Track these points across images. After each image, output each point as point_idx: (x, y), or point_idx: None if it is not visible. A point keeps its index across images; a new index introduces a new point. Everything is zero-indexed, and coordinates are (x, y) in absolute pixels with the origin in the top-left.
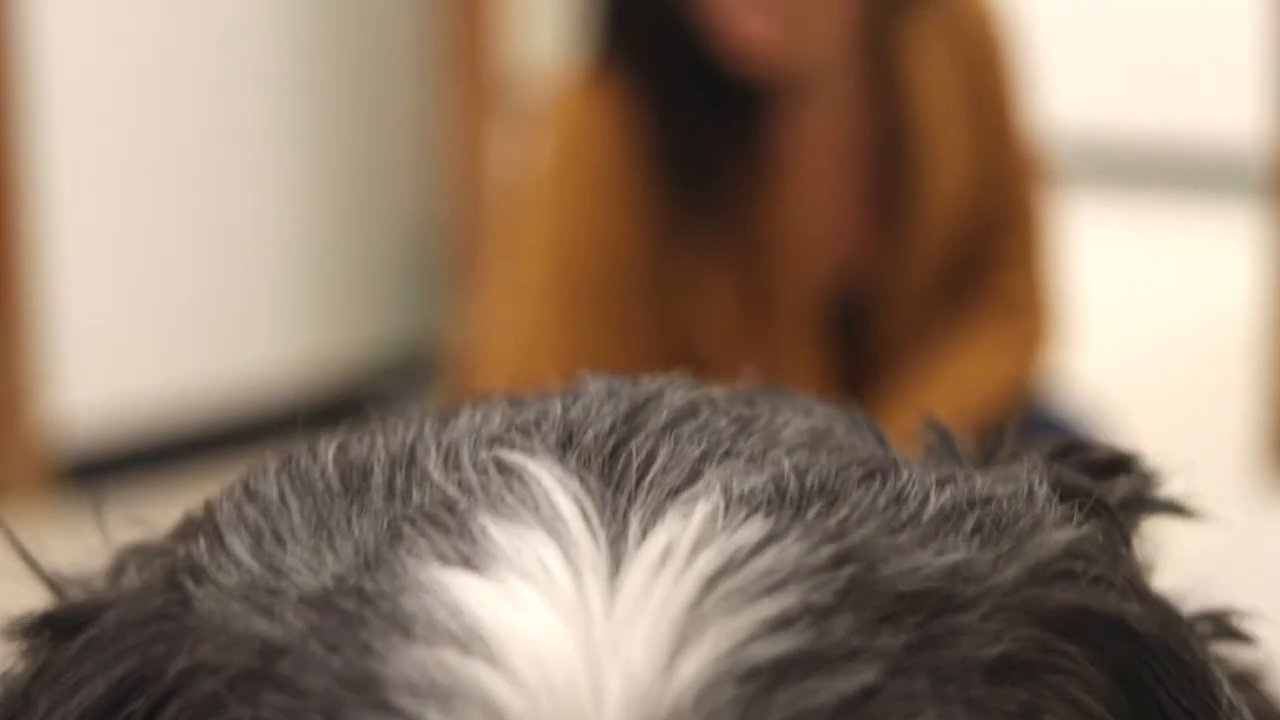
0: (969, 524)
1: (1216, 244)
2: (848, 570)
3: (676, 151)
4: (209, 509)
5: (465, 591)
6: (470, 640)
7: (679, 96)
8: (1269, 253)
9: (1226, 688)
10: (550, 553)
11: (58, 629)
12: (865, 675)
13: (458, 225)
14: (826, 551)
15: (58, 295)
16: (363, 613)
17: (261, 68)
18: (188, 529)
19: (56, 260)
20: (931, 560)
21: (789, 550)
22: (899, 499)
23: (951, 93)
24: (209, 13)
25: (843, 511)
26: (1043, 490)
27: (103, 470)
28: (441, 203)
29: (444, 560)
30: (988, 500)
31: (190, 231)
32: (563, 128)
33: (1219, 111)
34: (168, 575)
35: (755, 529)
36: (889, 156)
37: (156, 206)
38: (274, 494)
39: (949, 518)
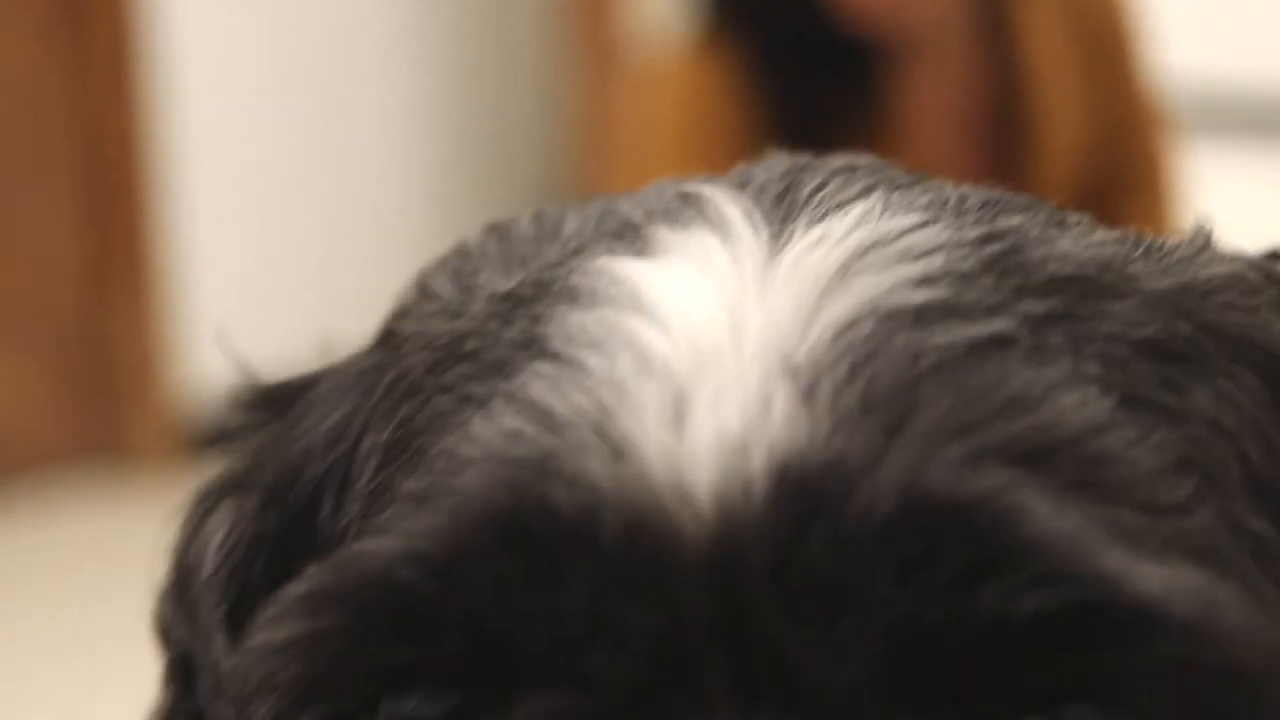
0: (1130, 242)
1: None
2: (995, 247)
3: (791, 115)
4: (418, 274)
5: (629, 269)
6: (628, 302)
7: (793, 60)
8: None
9: None
10: (712, 242)
11: (279, 399)
12: (1000, 325)
13: (583, 188)
14: (975, 232)
15: (191, 264)
16: (538, 295)
17: (387, 40)
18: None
19: (190, 230)
20: (1084, 252)
21: (939, 231)
22: (1061, 222)
23: (1065, 49)
24: None
25: (1000, 216)
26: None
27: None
28: (567, 166)
29: (616, 254)
30: (1156, 244)
31: (320, 201)
32: (681, 91)
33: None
34: (378, 334)
35: (909, 219)
36: (1005, 115)
37: (287, 177)
38: (475, 245)
39: (1110, 239)
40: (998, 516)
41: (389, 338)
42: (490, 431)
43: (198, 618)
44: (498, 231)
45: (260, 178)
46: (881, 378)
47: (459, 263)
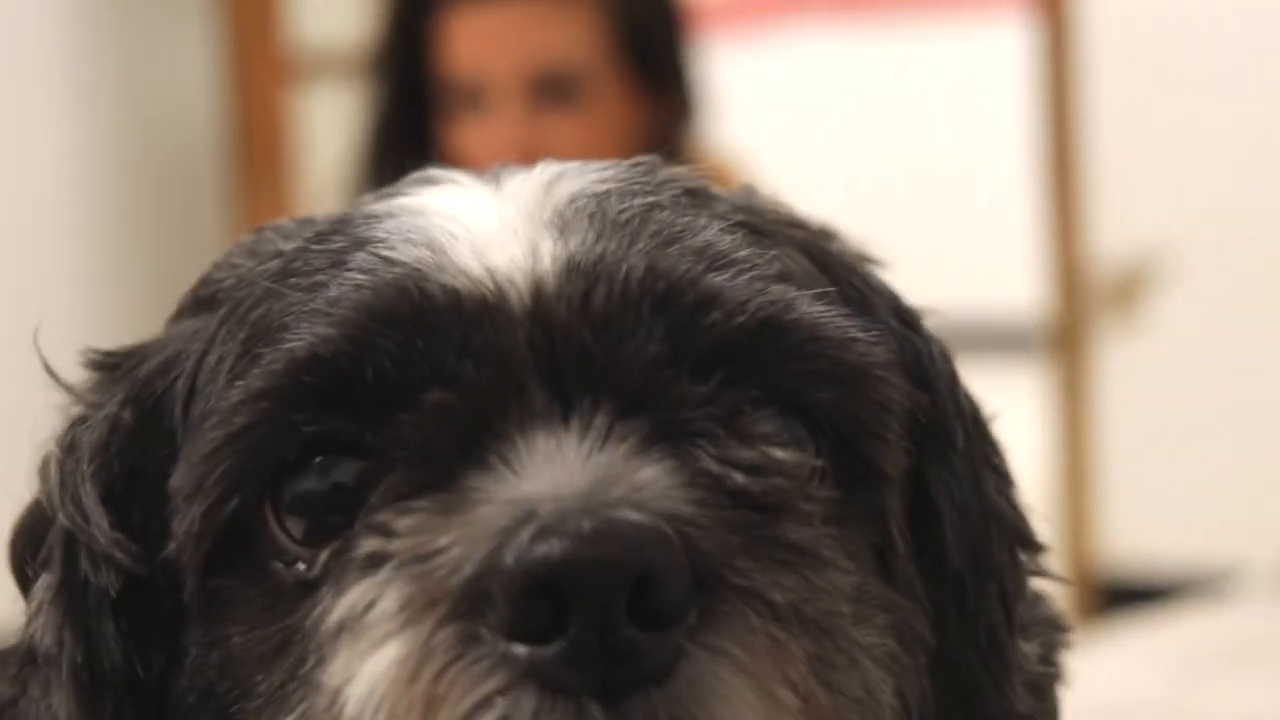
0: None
1: (1006, 402)
2: (640, 168)
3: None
4: (207, 267)
5: (413, 198)
6: (422, 210)
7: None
8: (1052, 403)
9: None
10: (463, 181)
11: (117, 359)
12: (658, 198)
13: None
14: (625, 165)
15: None
16: (344, 226)
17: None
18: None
19: None
20: (690, 178)
21: (602, 165)
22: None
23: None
24: None
25: (637, 161)
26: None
27: None
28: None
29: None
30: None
31: None
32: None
33: (1002, 286)
34: (188, 303)
35: (578, 165)
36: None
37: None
38: (251, 237)
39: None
40: (701, 278)
41: (205, 300)
42: (354, 274)
43: (81, 502)
44: (266, 227)
45: None
46: (607, 220)
47: (248, 244)
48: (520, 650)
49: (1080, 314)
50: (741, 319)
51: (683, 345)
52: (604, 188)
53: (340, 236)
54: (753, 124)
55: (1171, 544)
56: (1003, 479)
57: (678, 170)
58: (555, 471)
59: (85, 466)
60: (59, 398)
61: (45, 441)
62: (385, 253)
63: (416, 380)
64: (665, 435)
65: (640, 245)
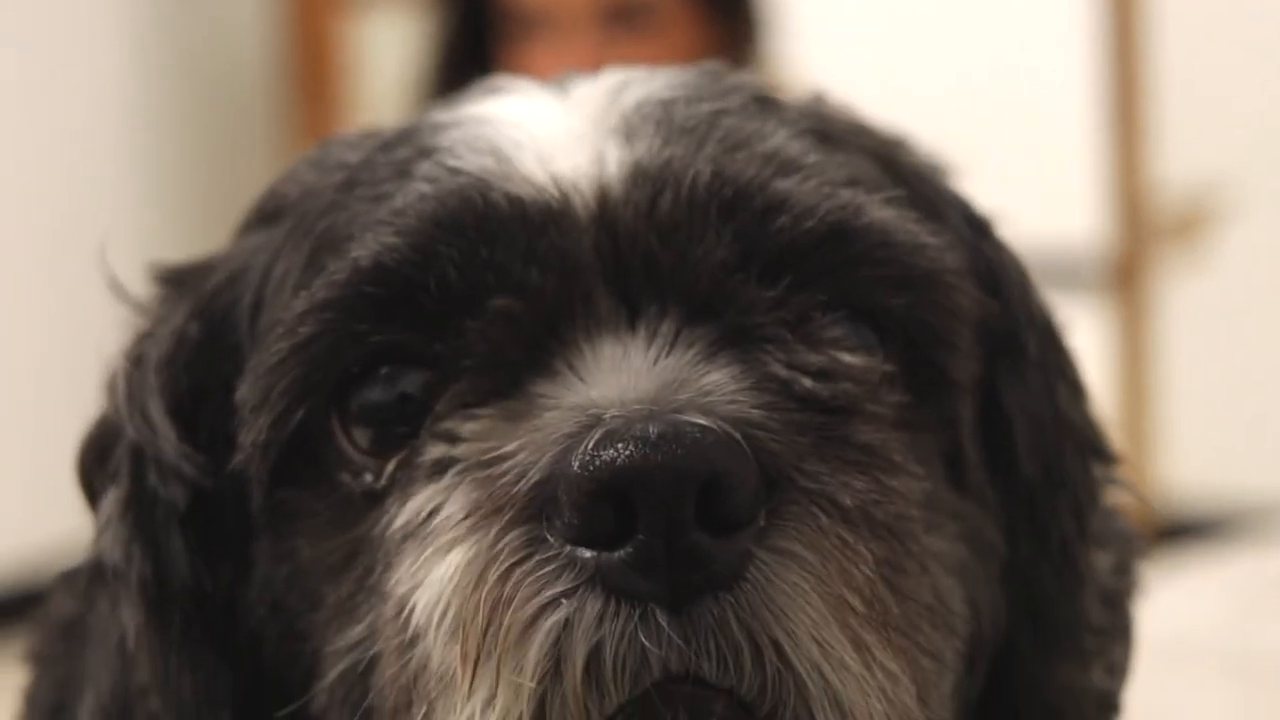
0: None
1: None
2: (707, 73)
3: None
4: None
5: (477, 107)
6: (487, 120)
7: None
8: (1111, 342)
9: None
10: (528, 90)
11: (183, 274)
12: (726, 104)
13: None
14: (692, 70)
15: None
16: (409, 137)
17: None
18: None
19: None
20: (758, 84)
21: (668, 73)
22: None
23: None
24: None
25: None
26: None
27: None
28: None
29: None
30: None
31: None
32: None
33: (1060, 218)
34: (254, 217)
35: (643, 71)
36: None
37: None
38: (315, 149)
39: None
40: (770, 183)
41: (271, 213)
42: (416, 187)
43: (149, 415)
44: (330, 139)
45: None
46: (675, 126)
47: (313, 157)
48: (586, 555)
49: (1142, 247)
50: (810, 224)
51: (751, 250)
52: (671, 94)
53: (406, 147)
54: (813, 45)
55: (1233, 479)
56: (1076, 390)
57: (745, 77)
58: (621, 377)
59: (152, 380)
60: (123, 314)
61: (112, 357)
62: (450, 162)
63: (482, 288)
64: (733, 340)
65: (707, 150)
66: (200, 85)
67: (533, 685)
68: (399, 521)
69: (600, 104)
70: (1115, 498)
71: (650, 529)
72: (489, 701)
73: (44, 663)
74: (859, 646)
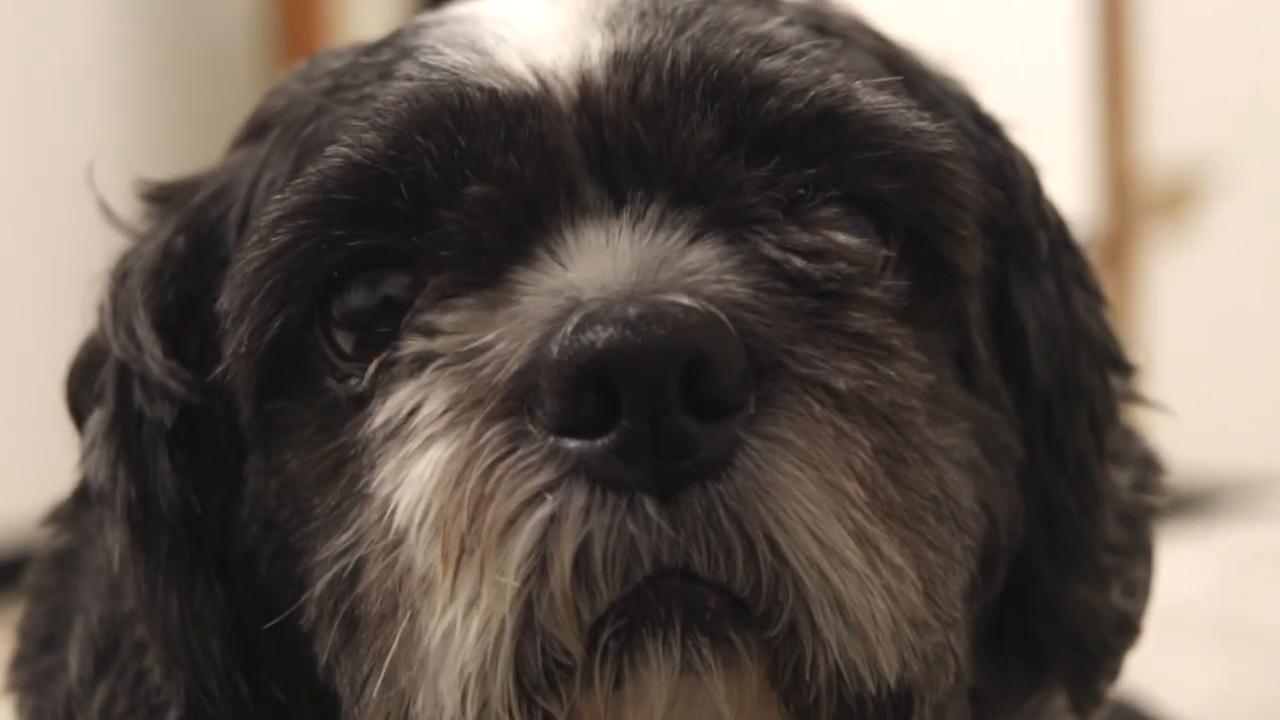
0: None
1: None
2: None
3: None
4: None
5: (460, 7)
6: (471, 17)
7: None
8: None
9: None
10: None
11: (172, 191)
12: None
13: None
14: None
15: None
16: (394, 40)
17: None
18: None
19: None
20: None
21: None
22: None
23: None
24: None
25: None
26: None
27: None
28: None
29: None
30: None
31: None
32: None
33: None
34: (243, 134)
35: None
36: None
37: None
38: (303, 64)
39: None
40: (756, 62)
41: (259, 127)
42: (397, 85)
43: (134, 330)
44: (320, 51)
45: None
46: (660, 13)
47: (301, 69)
48: (570, 444)
49: (1130, 223)
50: (799, 106)
51: (738, 131)
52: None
53: (389, 48)
54: None
55: (1220, 454)
56: (1093, 297)
57: None
58: (603, 260)
59: (138, 295)
60: (109, 248)
61: (100, 275)
62: (430, 59)
63: (459, 179)
64: (722, 222)
65: (691, 33)
66: (185, 56)
67: (517, 585)
68: (379, 420)
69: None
70: (1136, 416)
71: (633, 414)
72: (472, 603)
73: (37, 594)
74: (860, 540)
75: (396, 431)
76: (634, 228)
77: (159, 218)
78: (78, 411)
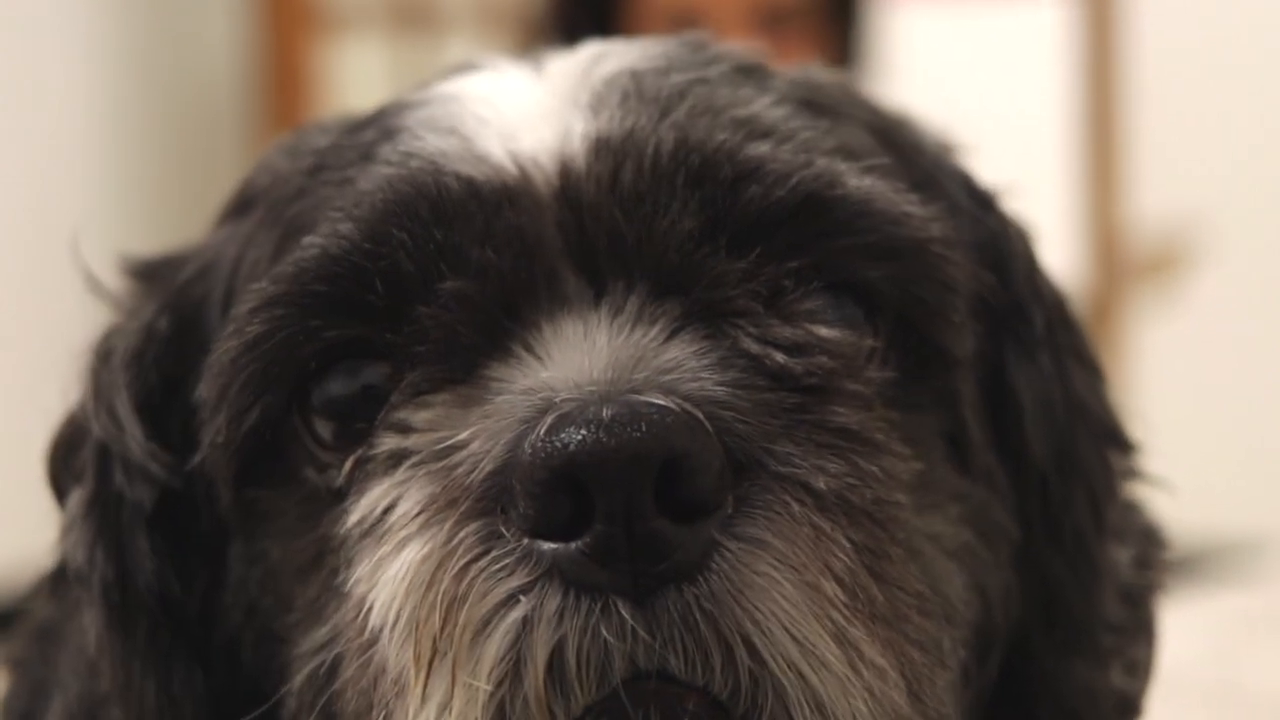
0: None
1: None
2: (688, 44)
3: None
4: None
5: (446, 87)
6: (453, 98)
7: None
8: None
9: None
10: (500, 65)
11: (156, 268)
12: (707, 73)
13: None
14: (673, 43)
15: None
16: (378, 119)
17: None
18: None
19: None
20: (747, 54)
21: (651, 44)
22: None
23: None
24: None
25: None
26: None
27: None
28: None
29: (426, 91)
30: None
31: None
32: None
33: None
34: (229, 209)
35: (628, 45)
36: None
37: None
38: (288, 138)
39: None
40: (740, 149)
41: (243, 203)
42: (376, 171)
43: (115, 411)
44: (307, 125)
45: None
46: (644, 96)
47: (287, 143)
48: (544, 547)
49: (1116, 286)
50: (782, 192)
51: (720, 220)
52: (646, 65)
53: (372, 129)
54: None
55: (1209, 517)
56: (1092, 374)
57: (732, 47)
58: (579, 357)
59: (120, 376)
60: (92, 317)
61: (81, 353)
62: (409, 145)
63: (435, 273)
64: (702, 315)
65: (675, 118)
66: (170, 106)
67: (489, 688)
68: (355, 518)
69: (572, 78)
70: (1137, 491)
71: (608, 517)
72: (444, 707)
73: (20, 668)
74: (840, 641)
75: (371, 530)
76: (612, 321)
77: (142, 295)
78: (59, 487)
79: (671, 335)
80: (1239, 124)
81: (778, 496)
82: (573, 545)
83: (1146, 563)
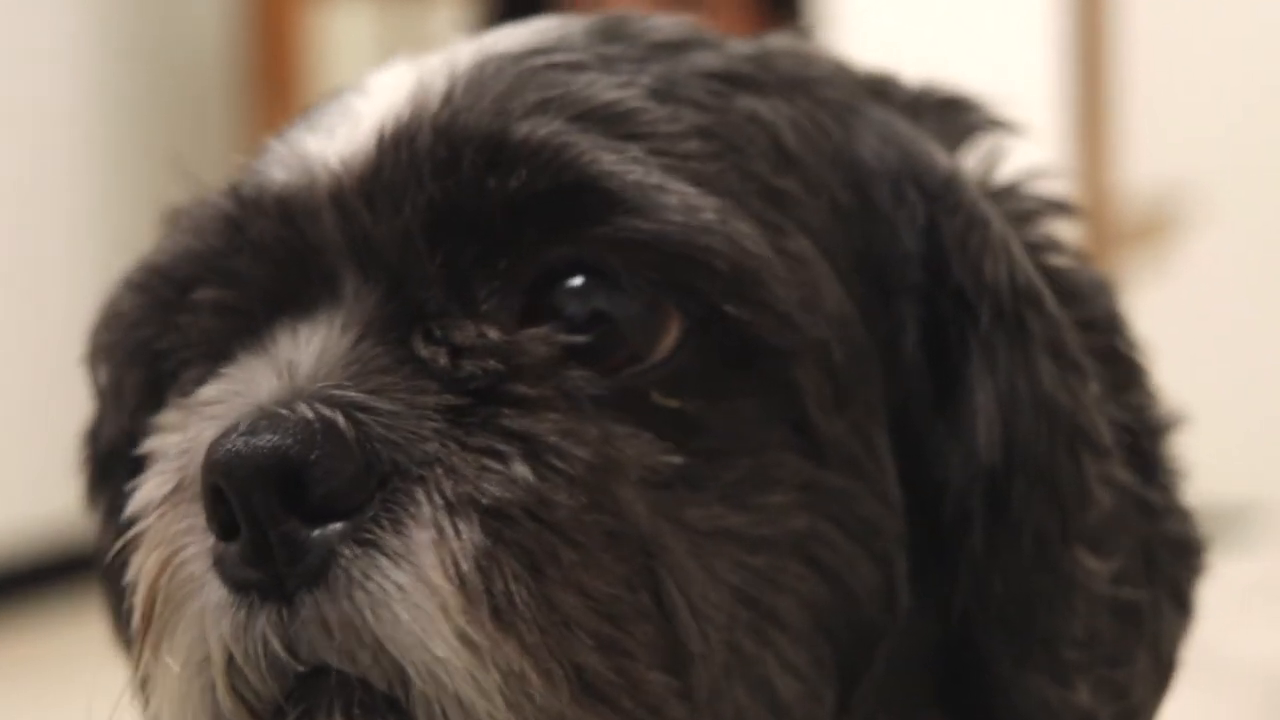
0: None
1: None
2: (601, 26)
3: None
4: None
5: (352, 87)
6: (341, 99)
7: None
8: None
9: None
10: (398, 66)
11: None
12: (578, 58)
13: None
14: (583, 23)
15: None
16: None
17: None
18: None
19: None
20: (675, 29)
21: (554, 26)
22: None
23: None
24: None
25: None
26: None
27: None
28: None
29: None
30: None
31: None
32: None
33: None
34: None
35: (532, 28)
36: None
37: None
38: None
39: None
40: (501, 134)
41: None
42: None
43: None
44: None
45: None
46: (482, 84)
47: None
48: (219, 546)
49: (1106, 253)
50: (526, 181)
51: (451, 214)
52: (520, 48)
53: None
54: None
55: (1200, 486)
56: (1070, 369)
57: (660, 24)
58: (270, 368)
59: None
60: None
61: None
62: (275, 146)
63: (198, 281)
64: (395, 318)
65: (478, 107)
66: (159, 76)
67: (180, 671)
68: (128, 513)
69: (442, 68)
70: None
71: (244, 521)
72: (147, 679)
73: None
74: (466, 642)
75: (135, 522)
76: (330, 326)
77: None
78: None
79: (359, 340)
80: (1230, 89)
81: (413, 499)
82: (233, 545)
83: (1133, 579)
